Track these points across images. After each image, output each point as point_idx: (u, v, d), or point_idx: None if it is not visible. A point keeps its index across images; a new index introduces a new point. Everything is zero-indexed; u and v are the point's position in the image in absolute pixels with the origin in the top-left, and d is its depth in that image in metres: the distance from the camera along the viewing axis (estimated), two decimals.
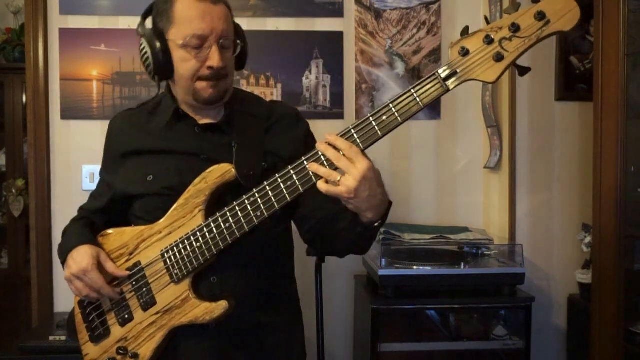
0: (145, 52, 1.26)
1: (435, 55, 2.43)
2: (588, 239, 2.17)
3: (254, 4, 2.34)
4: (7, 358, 1.96)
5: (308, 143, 1.32)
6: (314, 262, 1.99)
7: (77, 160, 2.36)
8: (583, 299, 2.21)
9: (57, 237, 2.33)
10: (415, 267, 1.99)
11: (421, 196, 2.46)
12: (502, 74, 1.05)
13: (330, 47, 2.40)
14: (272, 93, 2.38)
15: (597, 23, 1.84)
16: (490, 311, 2.09)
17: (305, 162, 1.12)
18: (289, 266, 1.43)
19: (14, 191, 3.33)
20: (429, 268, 1.99)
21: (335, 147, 1.08)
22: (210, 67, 1.23)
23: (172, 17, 1.23)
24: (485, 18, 1.10)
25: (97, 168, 2.32)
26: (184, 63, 1.24)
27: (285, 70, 2.38)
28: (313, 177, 1.11)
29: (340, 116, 2.40)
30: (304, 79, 2.40)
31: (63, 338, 1.97)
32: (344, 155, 1.07)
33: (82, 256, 1.27)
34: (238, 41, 1.29)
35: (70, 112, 2.35)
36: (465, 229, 2.31)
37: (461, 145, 2.46)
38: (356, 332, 2.37)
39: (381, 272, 1.96)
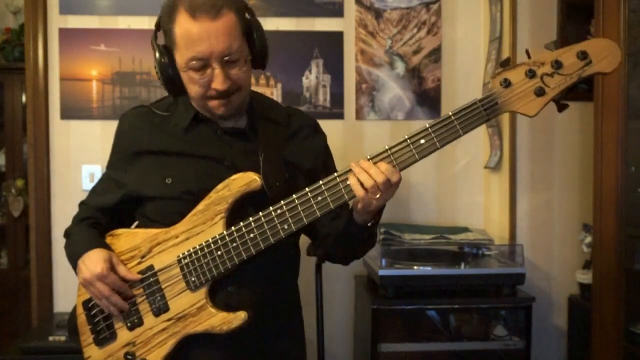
0: (158, 67, 1.24)
1: (435, 55, 2.43)
2: (588, 239, 2.17)
3: (254, 3, 2.33)
4: (7, 358, 1.96)
5: (326, 156, 1.34)
6: (314, 262, 1.99)
7: (77, 160, 2.36)
8: (583, 299, 2.21)
9: (56, 237, 2.34)
10: (415, 267, 1.99)
11: (421, 196, 2.46)
12: (542, 108, 1.09)
13: (330, 47, 2.40)
14: (272, 93, 2.38)
15: (597, 23, 1.84)
16: (491, 311, 2.09)
17: (338, 179, 1.14)
18: (296, 276, 1.43)
19: (13, 191, 3.33)
20: (429, 268, 1.99)
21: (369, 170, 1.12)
22: (215, 90, 1.20)
23: (174, 39, 1.19)
24: (527, 52, 1.11)
25: (96, 168, 2.37)
26: (191, 85, 1.22)
27: (285, 70, 2.38)
28: (345, 194, 1.13)
29: (340, 116, 2.40)
30: (303, 78, 2.40)
31: (63, 338, 1.96)
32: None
33: (94, 262, 1.23)
34: (248, 51, 1.25)
35: (70, 112, 2.35)
36: (465, 229, 2.30)
37: (461, 145, 2.45)
38: (356, 332, 2.37)
39: (381, 272, 1.96)
